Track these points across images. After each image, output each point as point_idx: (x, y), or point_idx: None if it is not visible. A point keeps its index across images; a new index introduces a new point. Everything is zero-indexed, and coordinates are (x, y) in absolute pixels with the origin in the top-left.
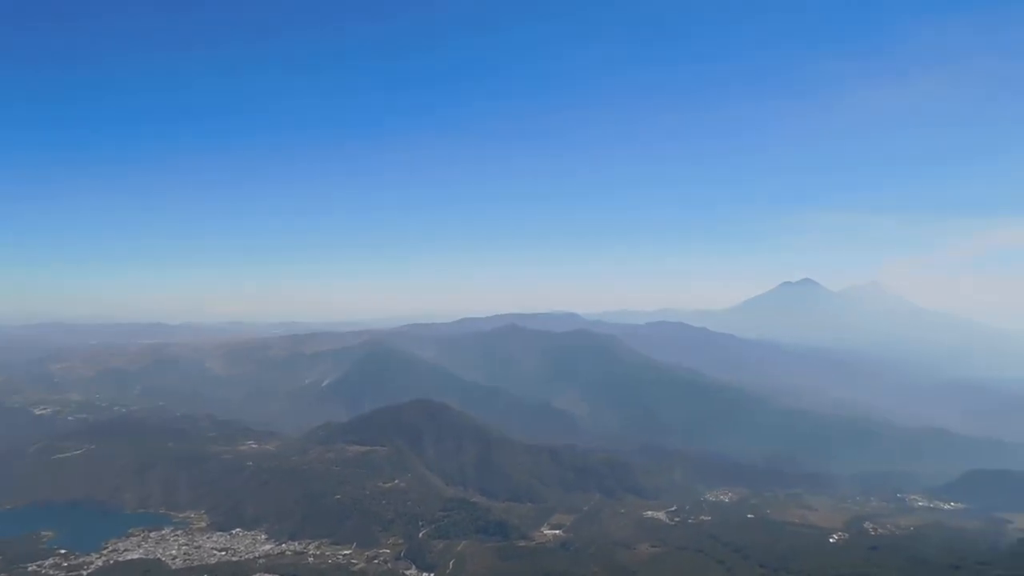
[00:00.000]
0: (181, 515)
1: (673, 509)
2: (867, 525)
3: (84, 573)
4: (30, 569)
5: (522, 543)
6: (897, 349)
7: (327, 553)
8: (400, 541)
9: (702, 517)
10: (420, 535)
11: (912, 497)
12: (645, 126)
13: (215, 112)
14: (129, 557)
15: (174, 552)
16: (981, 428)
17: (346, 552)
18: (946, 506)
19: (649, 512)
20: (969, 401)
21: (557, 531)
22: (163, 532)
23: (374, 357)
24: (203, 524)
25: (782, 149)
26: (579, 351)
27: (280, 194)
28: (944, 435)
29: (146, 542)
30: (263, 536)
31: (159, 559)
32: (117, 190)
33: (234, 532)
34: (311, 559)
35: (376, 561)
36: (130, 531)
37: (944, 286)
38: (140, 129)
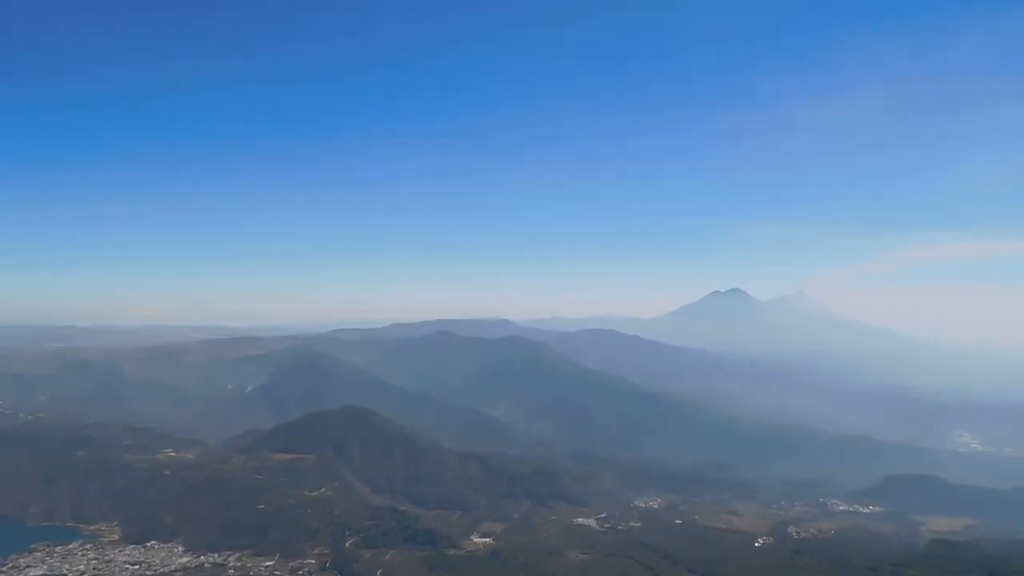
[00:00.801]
0: (91, 528)
1: (603, 516)
2: (791, 529)
3: None
4: None
5: (451, 552)
6: (822, 358)
7: (249, 565)
8: (326, 551)
9: (632, 523)
10: (347, 545)
11: (834, 501)
12: (579, 138)
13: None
14: (32, 574)
15: (82, 567)
16: (899, 434)
17: (269, 563)
18: (865, 510)
19: (579, 519)
20: (889, 408)
21: (487, 539)
22: (70, 546)
23: (301, 363)
24: (115, 537)
25: (714, 162)
26: (511, 358)
27: (200, 194)
28: (865, 441)
29: (51, 557)
30: (180, 548)
31: (64, 575)
32: (23, 187)
33: (149, 545)
34: (232, 571)
35: (300, 572)
36: (33, 546)
37: (868, 298)
38: (44, 127)
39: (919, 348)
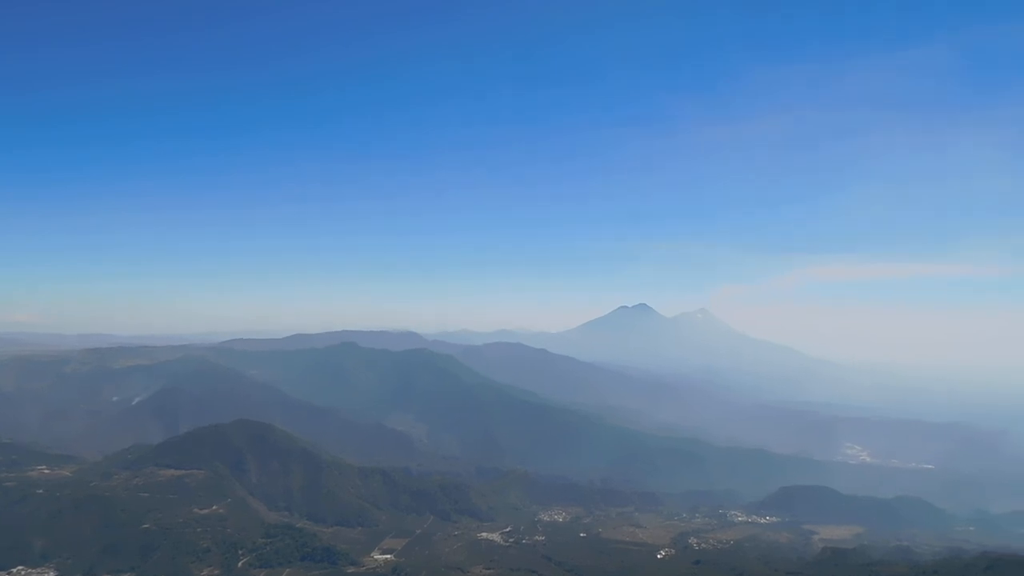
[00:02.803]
0: None
1: (508, 530)
2: (692, 540)
3: None
4: None
5: (350, 569)
6: (722, 374)
7: None
8: (217, 571)
9: (536, 537)
10: (239, 564)
11: (733, 512)
12: (487, 156)
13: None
14: None
15: None
16: (794, 447)
17: None
18: (762, 520)
19: (484, 534)
20: (784, 422)
21: (388, 556)
22: None
23: (193, 374)
24: None
25: (623, 181)
26: (417, 370)
27: (84, 194)
28: (762, 454)
29: None
30: (52, 573)
31: None
32: None
33: (15, 571)
34: None
35: None
36: None
37: (766, 315)
38: None
39: (813, 364)
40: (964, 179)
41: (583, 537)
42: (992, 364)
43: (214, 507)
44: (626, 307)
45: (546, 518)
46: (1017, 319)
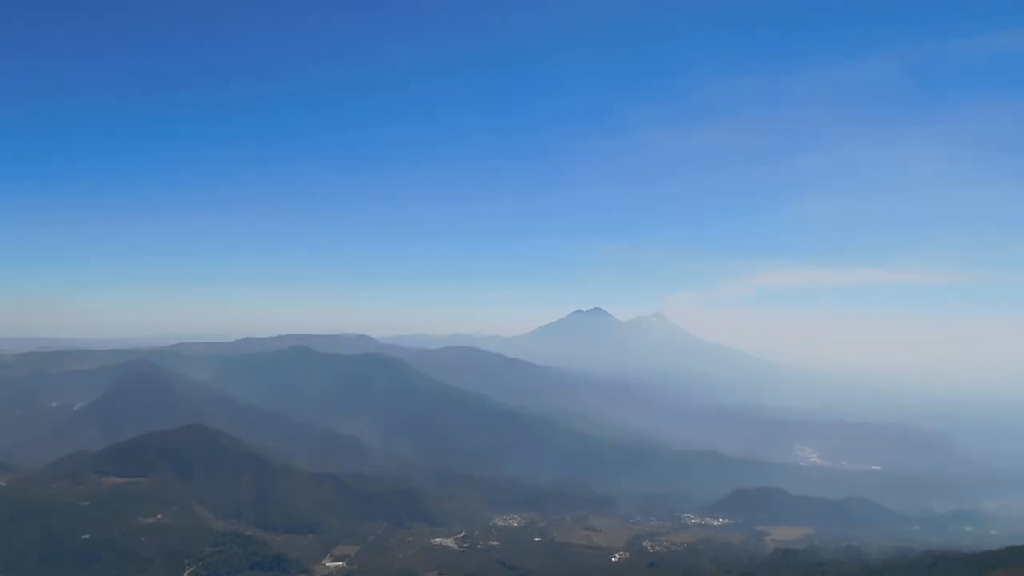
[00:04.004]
0: None
1: (462, 535)
2: (646, 543)
3: None
4: None
5: None
6: (676, 377)
7: None
8: None
9: (491, 542)
10: (185, 574)
11: (687, 515)
12: (440, 157)
13: None
14: None
15: None
16: (746, 450)
17: None
18: (715, 522)
19: (438, 539)
20: (737, 425)
21: (340, 563)
22: None
23: (137, 378)
24: None
25: (577, 185)
26: (371, 375)
27: (13, 191)
28: (714, 457)
29: None
30: None
31: None
32: None
33: None
34: None
35: None
36: None
37: (719, 320)
38: None
39: (766, 368)
40: (912, 189)
41: (538, 541)
42: (936, 368)
43: (159, 516)
44: (581, 311)
45: (501, 523)
46: (961, 325)
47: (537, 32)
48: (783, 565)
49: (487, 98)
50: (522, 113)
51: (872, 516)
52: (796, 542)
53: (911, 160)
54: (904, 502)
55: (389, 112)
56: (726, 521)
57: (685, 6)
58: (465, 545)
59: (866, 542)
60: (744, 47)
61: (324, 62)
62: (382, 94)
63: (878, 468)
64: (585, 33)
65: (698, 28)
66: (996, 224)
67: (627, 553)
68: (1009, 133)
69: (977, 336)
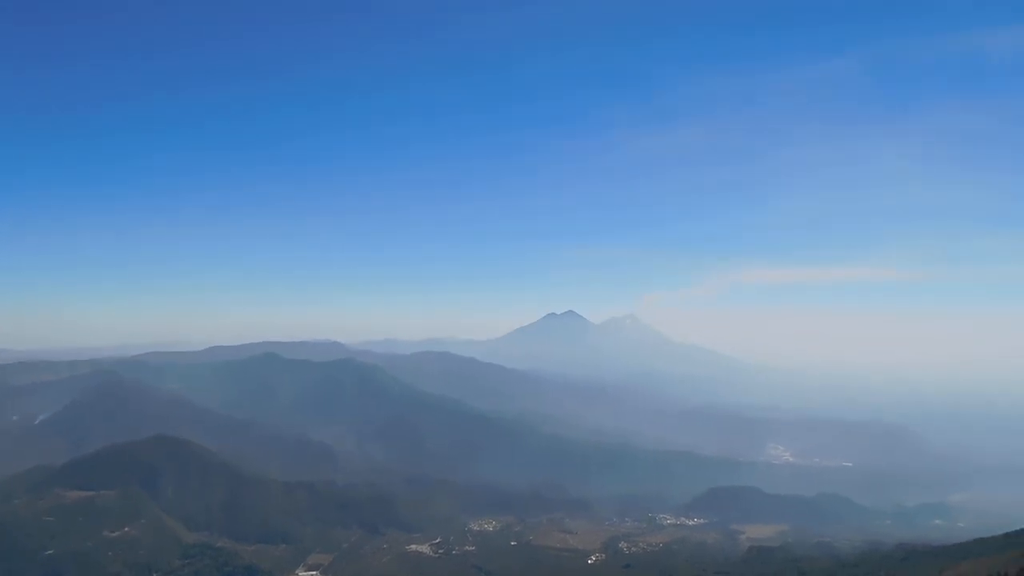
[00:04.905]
0: None
1: (437, 541)
2: (622, 544)
3: None
4: None
5: None
6: (650, 378)
7: None
8: None
9: (466, 548)
10: None
11: (662, 516)
12: (410, 159)
13: None
14: None
15: None
16: (720, 449)
17: None
18: (691, 522)
19: (413, 546)
20: (711, 425)
21: (314, 572)
22: None
23: (104, 389)
24: None
25: (548, 185)
26: (342, 381)
27: None
28: (689, 457)
29: None
30: None
31: None
32: None
33: None
34: None
35: None
36: None
37: (693, 320)
38: None
39: (738, 366)
40: (881, 186)
41: (514, 545)
42: (906, 363)
43: (126, 529)
44: (554, 314)
45: (476, 528)
46: (930, 322)
47: (507, 33)
48: (758, 563)
49: (457, 100)
50: (493, 114)
51: (844, 512)
52: (770, 540)
53: (878, 158)
54: (875, 497)
55: (358, 114)
56: (701, 520)
57: (654, 5)
58: (440, 551)
59: (839, 538)
60: (716, 47)
61: (300, 64)
62: (350, 97)
63: (849, 464)
64: (556, 33)
65: (670, 28)
66: (967, 219)
67: (603, 555)
68: (978, 128)
69: (944, 333)
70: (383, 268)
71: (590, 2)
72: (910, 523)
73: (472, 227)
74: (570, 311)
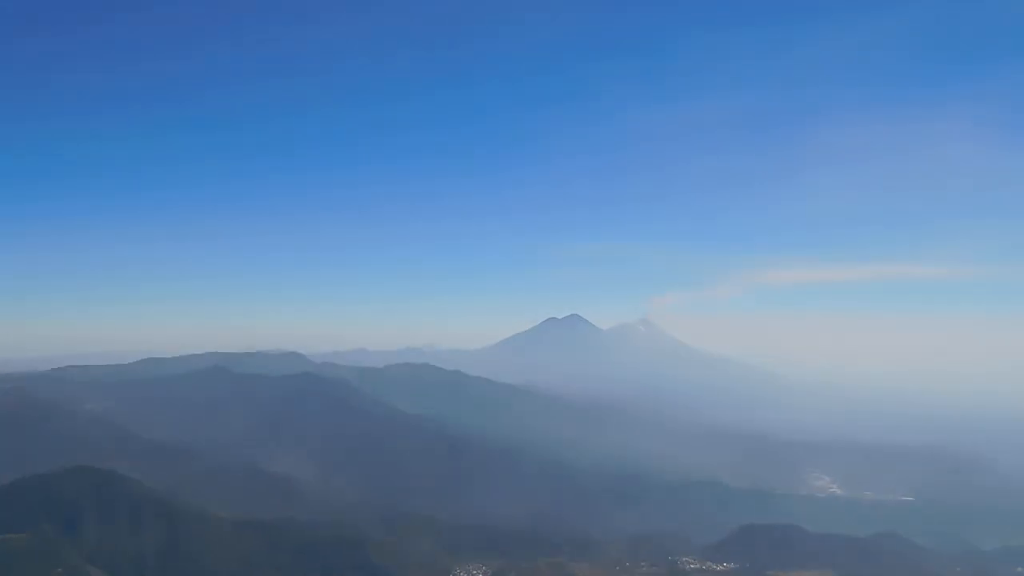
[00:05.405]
0: None
1: None
2: None
3: None
4: None
5: None
6: (668, 393)
7: None
8: None
9: None
10: None
11: (684, 559)
12: (389, 148)
13: None
14: None
15: None
16: (753, 478)
17: None
18: (719, 567)
19: None
20: (740, 449)
21: None
22: None
23: (11, 409)
24: None
25: (545, 171)
26: (304, 400)
27: None
28: (715, 487)
29: None
30: None
31: None
32: None
33: None
34: None
35: None
36: None
37: (716, 325)
38: None
39: (771, 380)
40: (940, 166)
41: None
42: (975, 377)
43: None
44: (555, 319)
45: (463, 573)
46: (1001, 326)
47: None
48: None
49: (440, 75)
50: (482, 91)
51: (905, 555)
52: None
53: (940, 132)
54: (942, 538)
55: (322, 96)
56: (731, 565)
57: None
58: None
59: None
60: (742, 4)
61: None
62: (315, 77)
63: (910, 498)
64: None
65: None
66: None
67: None
68: None
69: (1019, 341)
70: (351, 266)
71: None
72: (986, 570)
73: (457, 218)
74: (574, 315)
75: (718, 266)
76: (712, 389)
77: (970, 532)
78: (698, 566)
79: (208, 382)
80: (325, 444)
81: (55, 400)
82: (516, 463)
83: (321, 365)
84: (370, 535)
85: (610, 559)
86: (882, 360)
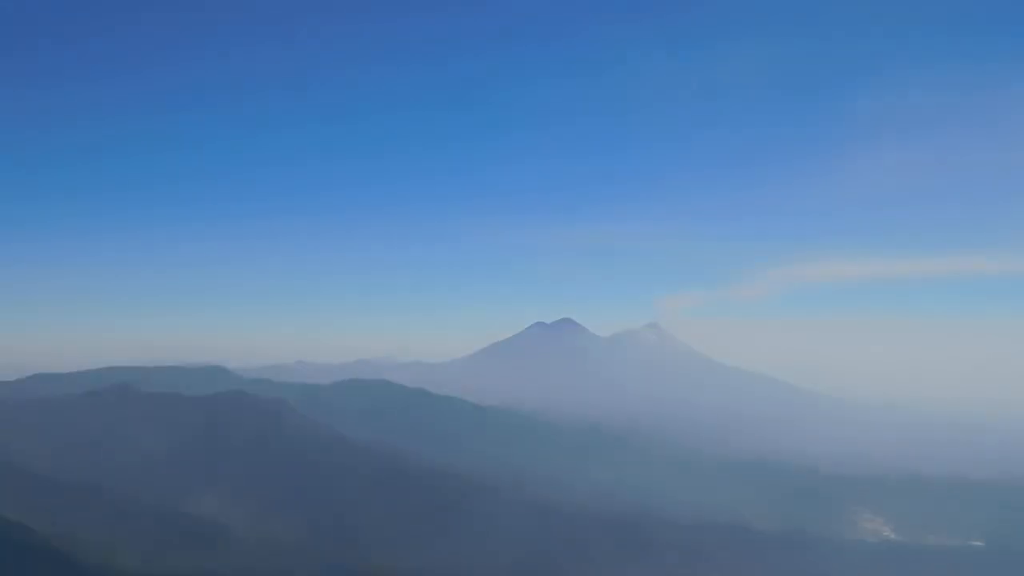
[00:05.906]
0: None
1: None
2: None
3: None
4: None
5: None
6: (681, 414)
7: None
8: None
9: None
10: None
11: None
12: (338, 113)
13: None
14: None
15: None
16: (785, 519)
17: None
18: None
19: None
20: (769, 484)
21: None
22: None
23: None
24: None
25: (526, 142)
26: (229, 423)
27: None
28: (738, 531)
29: None
30: None
31: None
32: None
33: None
34: None
35: None
36: None
37: (740, 332)
38: None
39: (806, 400)
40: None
41: None
42: None
43: None
44: (543, 323)
45: None
46: None
47: None
48: None
49: (395, 22)
50: (451, 40)
51: None
52: None
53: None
54: None
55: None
56: None
57: None
58: None
59: None
60: None
61: None
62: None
63: (980, 543)
64: None
65: None
66: None
67: None
68: None
69: None
70: (288, 261)
71: None
72: None
73: (423, 203)
74: (566, 319)
75: (744, 260)
76: (735, 411)
77: None
78: None
79: (112, 403)
80: (257, 478)
81: None
82: (494, 502)
83: (251, 382)
84: None
85: None
86: (949, 377)
